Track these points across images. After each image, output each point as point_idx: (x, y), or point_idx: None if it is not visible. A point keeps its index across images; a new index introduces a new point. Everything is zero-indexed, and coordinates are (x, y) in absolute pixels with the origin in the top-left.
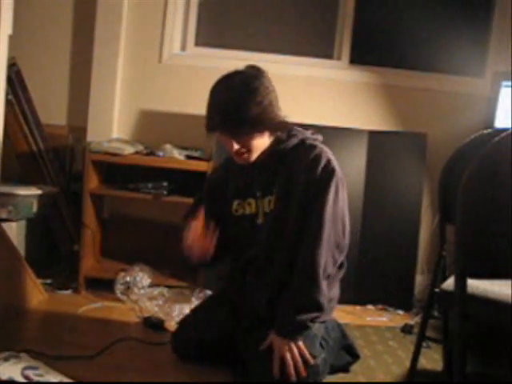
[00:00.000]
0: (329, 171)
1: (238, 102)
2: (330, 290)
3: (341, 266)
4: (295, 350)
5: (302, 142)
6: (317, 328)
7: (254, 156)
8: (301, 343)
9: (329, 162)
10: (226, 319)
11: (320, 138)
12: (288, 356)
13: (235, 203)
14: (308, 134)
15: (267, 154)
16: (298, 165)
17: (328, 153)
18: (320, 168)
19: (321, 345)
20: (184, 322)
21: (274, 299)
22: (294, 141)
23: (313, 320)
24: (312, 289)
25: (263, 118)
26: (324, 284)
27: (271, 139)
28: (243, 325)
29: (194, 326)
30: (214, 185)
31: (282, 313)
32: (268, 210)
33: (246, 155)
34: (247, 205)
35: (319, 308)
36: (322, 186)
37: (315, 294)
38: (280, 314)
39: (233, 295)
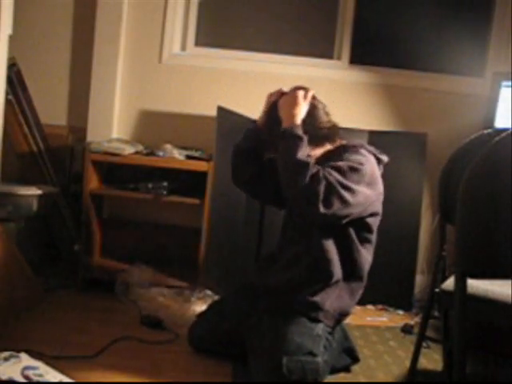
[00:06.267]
0: (355, 161)
1: None
2: (334, 303)
3: (353, 279)
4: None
5: (353, 147)
6: (321, 328)
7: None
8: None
9: (361, 156)
10: (240, 313)
11: (384, 158)
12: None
13: None
14: (372, 149)
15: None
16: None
17: (367, 159)
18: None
19: (324, 347)
20: (201, 316)
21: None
22: (346, 146)
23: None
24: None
25: (310, 139)
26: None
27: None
28: (259, 306)
29: (209, 319)
30: None
31: None
32: None
33: None
34: None
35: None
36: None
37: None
38: None
39: (255, 279)
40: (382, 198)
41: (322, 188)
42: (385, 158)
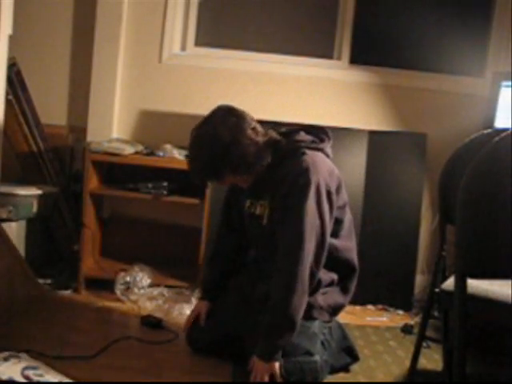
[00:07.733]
0: (303, 183)
1: (208, 164)
2: (328, 297)
3: (343, 273)
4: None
5: (293, 151)
6: (317, 326)
7: (246, 183)
8: (277, 365)
9: (306, 171)
10: (237, 314)
11: (324, 145)
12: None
13: (248, 201)
14: (307, 140)
15: (268, 167)
16: (284, 175)
17: (310, 162)
18: (295, 180)
19: (323, 345)
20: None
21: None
22: (286, 151)
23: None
24: (286, 311)
25: (237, 169)
26: (298, 300)
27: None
28: (254, 308)
29: (206, 320)
30: (233, 187)
31: (263, 337)
32: (268, 214)
33: (239, 184)
34: (259, 205)
35: (292, 327)
36: (296, 198)
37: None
38: (261, 337)
39: (245, 285)
40: (342, 183)
41: (304, 279)
42: (326, 145)
